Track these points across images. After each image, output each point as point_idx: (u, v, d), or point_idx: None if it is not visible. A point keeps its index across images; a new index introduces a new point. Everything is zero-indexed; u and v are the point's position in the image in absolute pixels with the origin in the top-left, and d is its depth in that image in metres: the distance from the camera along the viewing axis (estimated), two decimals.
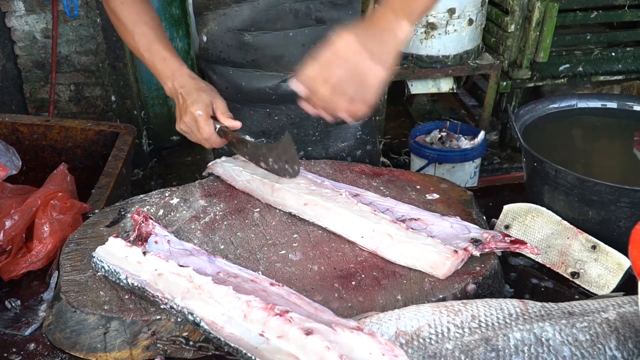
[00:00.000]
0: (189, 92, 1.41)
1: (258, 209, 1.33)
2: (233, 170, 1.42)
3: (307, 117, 1.60)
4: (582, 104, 1.47)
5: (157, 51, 1.45)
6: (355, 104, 1.16)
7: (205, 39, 1.58)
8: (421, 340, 0.92)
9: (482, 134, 3.17)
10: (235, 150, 1.47)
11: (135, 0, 1.47)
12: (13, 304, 1.18)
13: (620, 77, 3.50)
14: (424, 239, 1.15)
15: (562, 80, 3.43)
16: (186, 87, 1.42)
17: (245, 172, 1.40)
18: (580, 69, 3.40)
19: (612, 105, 1.47)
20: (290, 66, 1.53)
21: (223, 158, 1.49)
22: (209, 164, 1.49)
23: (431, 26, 3.04)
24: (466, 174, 3.19)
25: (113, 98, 3.62)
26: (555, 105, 1.46)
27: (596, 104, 1.47)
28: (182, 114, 1.42)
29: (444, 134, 3.25)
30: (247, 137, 1.50)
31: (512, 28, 3.25)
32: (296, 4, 1.47)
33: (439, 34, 3.09)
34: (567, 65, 3.40)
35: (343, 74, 1.13)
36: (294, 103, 1.49)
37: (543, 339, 0.92)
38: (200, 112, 1.38)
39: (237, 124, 1.41)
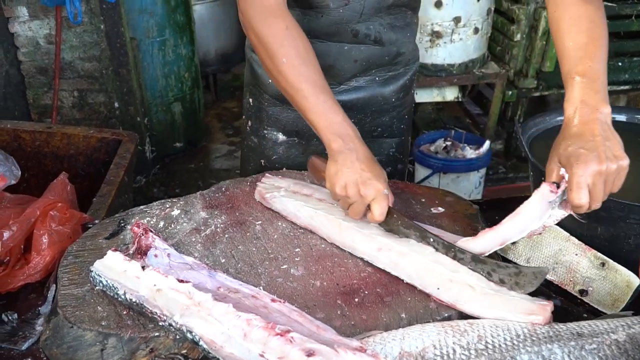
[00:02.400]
0: (370, 165, 1.19)
1: (260, 222, 1.31)
2: (294, 206, 1.29)
3: None
4: None
5: (323, 95, 1.24)
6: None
7: None
8: None
9: (487, 144, 3.15)
10: (390, 231, 1.22)
11: (287, 24, 1.28)
12: (10, 317, 1.16)
13: (626, 87, 3.48)
14: (508, 290, 1.06)
15: None
16: (361, 154, 1.20)
17: (307, 207, 1.27)
18: None
19: (621, 118, 1.44)
20: (337, 77, 1.52)
21: (282, 192, 1.33)
22: (267, 195, 1.33)
23: (437, 35, 3.03)
24: (471, 183, 3.16)
25: (116, 105, 3.61)
26: (563, 118, 1.44)
27: None
28: (359, 184, 1.16)
29: (448, 143, 3.23)
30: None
31: (518, 37, 3.23)
32: (358, 25, 1.45)
33: (445, 42, 3.07)
34: None
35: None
36: None
37: None
38: (387, 192, 1.18)
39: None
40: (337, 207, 1.25)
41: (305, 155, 1.60)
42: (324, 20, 1.43)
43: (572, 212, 1.07)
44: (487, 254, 1.14)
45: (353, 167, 1.17)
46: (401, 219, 1.19)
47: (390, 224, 1.20)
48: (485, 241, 1.14)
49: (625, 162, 1.02)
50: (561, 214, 1.09)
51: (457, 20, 2.98)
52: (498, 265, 1.09)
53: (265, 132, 1.66)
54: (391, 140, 1.69)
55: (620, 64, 3.41)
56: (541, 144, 1.38)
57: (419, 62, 1.70)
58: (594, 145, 1.02)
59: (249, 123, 1.70)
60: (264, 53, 1.27)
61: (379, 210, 1.15)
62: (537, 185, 1.30)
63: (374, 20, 1.46)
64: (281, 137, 1.64)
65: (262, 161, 1.69)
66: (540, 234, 1.14)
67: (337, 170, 1.18)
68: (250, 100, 1.68)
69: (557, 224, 1.23)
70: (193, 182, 3.82)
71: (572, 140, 1.04)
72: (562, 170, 1.05)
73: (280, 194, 1.33)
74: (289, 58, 1.23)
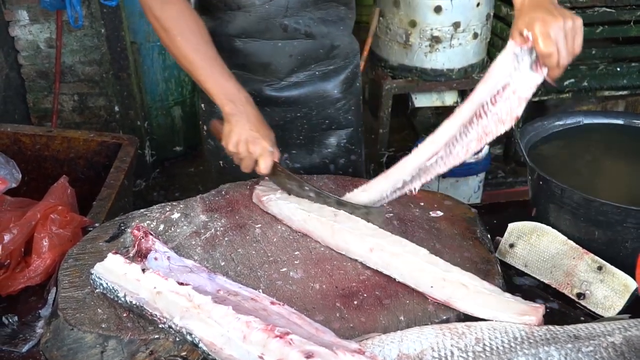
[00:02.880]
0: (258, 126, 1.36)
1: (259, 225, 1.31)
2: (289, 209, 1.31)
3: (292, 121, 1.67)
4: (588, 121, 1.46)
5: (214, 65, 1.40)
6: None
7: None
8: None
9: (486, 148, 3.15)
10: (278, 185, 1.39)
11: (180, 7, 1.41)
12: (10, 320, 1.17)
13: (625, 93, 3.48)
14: (501, 290, 1.08)
15: (567, 94, 3.42)
16: (247, 115, 1.36)
17: (300, 210, 1.30)
18: (585, 83, 3.39)
19: (619, 122, 1.45)
20: (276, 74, 1.59)
21: (278, 194, 1.36)
22: (263, 199, 1.36)
23: (436, 40, 3.04)
24: (470, 188, 3.17)
25: (116, 108, 3.61)
26: (561, 123, 1.45)
27: (602, 120, 1.46)
28: (249, 142, 1.34)
29: None
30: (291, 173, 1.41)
31: None
32: (285, 19, 1.51)
33: (444, 47, 3.08)
34: (572, 80, 3.38)
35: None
36: (279, 106, 1.54)
37: None
38: (272, 149, 1.34)
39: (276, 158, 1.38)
40: (328, 208, 1.31)
41: None
42: (252, 18, 1.51)
43: (545, 76, 1.11)
44: (403, 185, 1.25)
45: (243, 127, 1.34)
46: (285, 173, 1.36)
47: (277, 177, 1.37)
48: (398, 169, 1.24)
49: (579, 21, 1.07)
50: (534, 78, 1.11)
51: (456, 25, 2.99)
52: (355, 207, 1.28)
53: None
54: (341, 132, 1.75)
55: (618, 69, 3.42)
56: (540, 149, 1.39)
57: (359, 56, 1.79)
58: (548, 11, 1.07)
59: (204, 127, 1.77)
60: (163, 33, 1.40)
61: (264, 164, 1.33)
62: (535, 189, 1.31)
63: (302, 15, 1.53)
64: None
65: (221, 162, 1.76)
66: (520, 101, 1.16)
67: (230, 130, 1.35)
68: (202, 105, 1.76)
69: (554, 227, 1.24)
70: (193, 185, 3.81)
71: (528, 12, 1.10)
72: (525, 32, 1.07)
73: (276, 196, 1.35)
74: (183, 35, 1.38)
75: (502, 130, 1.14)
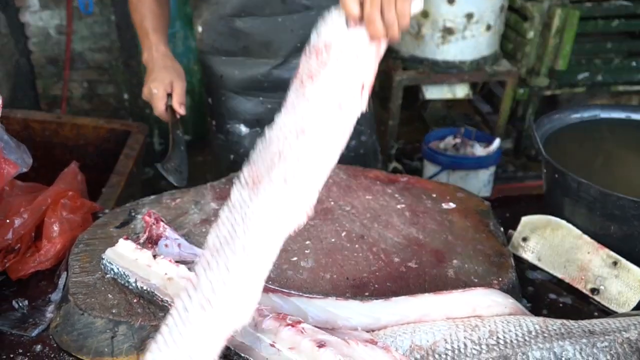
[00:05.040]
0: (154, 68, 1.54)
1: None
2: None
3: None
4: (605, 115, 1.44)
5: (146, 26, 1.59)
6: None
7: (200, 29, 1.66)
8: (437, 356, 0.89)
9: (497, 141, 3.12)
10: (170, 132, 1.54)
11: None
12: (20, 304, 1.16)
13: (639, 88, 3.44)
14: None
15: (581, 88, 3.38)
16: (154, 62, 1.56)
17: None
18: (600, 77, 3.34)
19: (637, 116, 1.43)
20: (279, 52, 1.60)
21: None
22: None
23: (448, 31, 3.01)
24: (480, 181, 3.15)
25: (125, 96, 3.61)
26: (578, 116, 1.43)
27: (620, 115, 1.44)
28: (144, 86, 1.55)
29: (458, 140, 3.20)
30: (180, 134, 1.57)
31: (531, 35, 3.21)
32: None
33: (456, 39, 3.05)
34: (587, 74, 3.34)
35: None
36: (287, 88, 1.53)
37: (563, 359, 0.89)
38: (156, 91, 1.51)
39: (181, 111, 1.55)
40: None
41: None
42: None
43: (370, 40, 0.93)
44: None
45: (149, 75, 1.55)
46: (175, 121, 1.54)
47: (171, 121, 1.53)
48: None
49: None
50: (360, 43, 0.93)
51: (469, 16, 2.96)
52: None
53: (229, 126, 1.75)
54: None
55: (634, 63, 3.37)
56: (556, 141, 1.37)
57: None
58: None
59: (213, 122, 1.81)
60: (131, 7, 1.63)
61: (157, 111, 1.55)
62: (550, 182, 1.30)
63: None
64: (244, 129, 1.74)
65: (232, 156, 1.79)
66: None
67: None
68: (210, 99, 1.79)
69: (569, 222, 1.23)
70: (201, 174, 3.80)
71: None
72: None
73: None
74: (142, 14, 1.59)
75: None
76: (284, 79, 1.62)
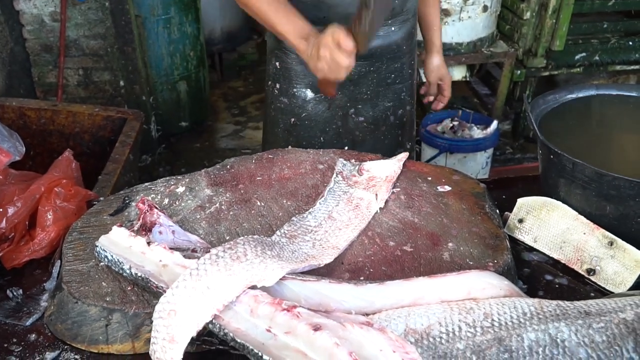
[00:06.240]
0: (320, 35, 1.42)
1: (264, 200, 1.30)
2: None
3: (364, 75, 1.72)
4: (600, 94, 1.43)
5: (287, 12, 1.50)
6: None
7: None
8: (431, 340, 0.89)
9: (494, 124, 3.12)
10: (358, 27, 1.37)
11: None
12: (15, 293, 1.16)
13: (636, 67, 3.43)
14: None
15: (578, 69, 3.36)
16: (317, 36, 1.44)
17: None
18: (597, 58, 3.33)
19: (631, 94, 1.42)
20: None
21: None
22: None
23: (445, 13, 2.98)
24: (478, 164, 3.14)
25: (122, 83, 3.59)
26: (573, 95, 1.42)
27: (615, 93, 1.43)
28: (320, 53, 1.40)
29: (456, 123, 3.20)
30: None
31: (527, 15, 3.19)
32: None
33: (453, 20, 3.03)
34: (583, 54, 3.32)
35: None
36: (356, 60, 1.52)
37: (558, 340, 0.89)
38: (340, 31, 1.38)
39: None
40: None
41: (330, 110, 1.76)
42: None
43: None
44: None
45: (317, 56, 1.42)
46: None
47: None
48: None
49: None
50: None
51: None
52: None
53: (295, 90, 1.77)
54: (402, 85, 1.82)
55: (630, 43, 3.36)
56: (551, 122, 1.36)
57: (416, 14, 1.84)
58: None
59: (277, 85, 1.80)
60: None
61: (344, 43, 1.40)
62: (545, 163, 1.29)
63: None
64: (310, 94, 1.75)
65: (293, 119, 1.80)
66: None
67: (311, 65, 1.46)
68: (277, 63, 1.78)
69: (565, 202, 1.22)
70: (198, 161, 3.81)
71: None
72: None
73: None
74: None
75: None
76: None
